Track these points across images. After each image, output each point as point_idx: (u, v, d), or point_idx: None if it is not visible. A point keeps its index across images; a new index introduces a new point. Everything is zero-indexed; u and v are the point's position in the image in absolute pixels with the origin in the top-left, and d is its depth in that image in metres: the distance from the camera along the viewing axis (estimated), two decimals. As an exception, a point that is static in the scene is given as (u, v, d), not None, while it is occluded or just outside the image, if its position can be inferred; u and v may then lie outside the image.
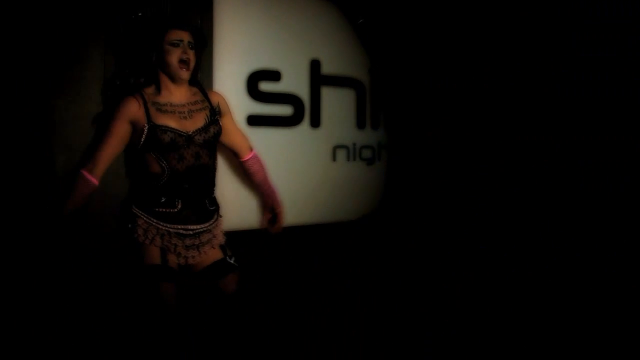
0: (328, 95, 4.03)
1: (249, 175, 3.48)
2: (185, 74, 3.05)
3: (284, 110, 3.84)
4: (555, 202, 4.09)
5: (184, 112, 3.08)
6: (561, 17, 4.07)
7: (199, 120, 3.10)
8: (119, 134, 3.02)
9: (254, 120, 3.72)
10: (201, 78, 3.51)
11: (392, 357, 3.64)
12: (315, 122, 3.96)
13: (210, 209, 3.16)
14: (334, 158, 4.06)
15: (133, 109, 3.02)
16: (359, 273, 4.06)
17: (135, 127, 3.02)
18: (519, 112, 4.28)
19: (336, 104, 4.08)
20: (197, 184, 3.08)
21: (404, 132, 4.41)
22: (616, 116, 3.89)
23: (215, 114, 3.18)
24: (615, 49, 3.90)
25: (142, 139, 3.00)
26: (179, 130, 3.02)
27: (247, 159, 3.44)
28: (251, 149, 3.45)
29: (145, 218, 3.05)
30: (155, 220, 3.04)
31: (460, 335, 3.78)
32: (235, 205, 3.59)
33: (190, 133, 3.05)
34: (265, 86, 3.75)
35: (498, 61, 4.37)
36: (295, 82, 3.88)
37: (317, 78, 3.95)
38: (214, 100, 3.22)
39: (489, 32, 4.36)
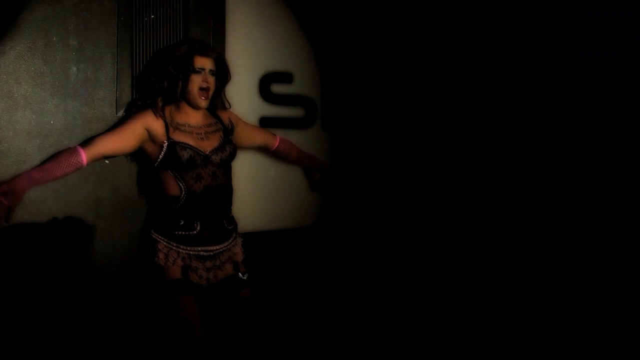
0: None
1: (284, 158, 3.59)
2: (203, 103, 3.09)
3: (296, 112, 3.85)
4: (554, 201, 4.09)
5: (201, 133, 3.11)
6: (561, 16, 4.07)
7: (215, 141, 3.13)
8: (131, 132, 3.02)
9: (266, 122, 3.73)
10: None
11: (392, 357, 3.64)
12: (327, 125, 3.97)
13: (228, 228, 3.16)
14: (346, 160, 4.07)
15: (152, 119, 3.05)
16: (360, 273, 4.06)
17: (153, 140, 3.02)
18: (518, 111, 4.28)
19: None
20: (215, 204, 3.08)
21: (404, 133, 4.41)
22: (616, 116, 3.90)
23: (229, 133, 3.20)
24: (614, 49, 3.91)
25: (161, 155, 3.01)
26: (197, 149, 3.04)
27: (276, 147, 3.50)
28: (275, 136, 3.50)
29: (165, 242, 3.05)
30: (175, 244, 3.03)
31: (459, 334, 3.77)
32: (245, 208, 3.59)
33: (207, 153, 3.07)
34: (277, 88, 3.76)
35: (496, 60, 4.37)
36: (307, 84, 3.88)
37: (330, 80, 3.96)
38: (224, 118, 3.24)
39: (488, 31, 4.36)
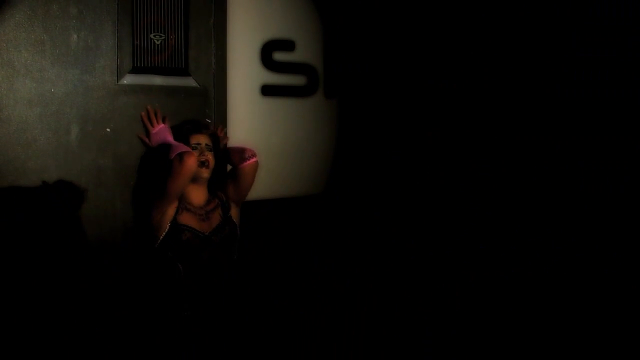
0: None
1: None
2: (205, 173, 3.19)
3: (298, 80, 3.83)
4: (554, 202, 4.08)
5: (202, 214, 3.21)
6: (561, 15, 4.03)
7: (215, 220, 3.23)
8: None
9: (268, 91, 3.71)
10: (215, 48, 3.52)
11: (392, 356, 3.65)
12: (330, 93, 3.95)
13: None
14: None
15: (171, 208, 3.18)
16: (358, 272, 4.06)
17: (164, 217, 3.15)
18: (518, 110, 4.24)
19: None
20: (212, 283, 3.16)
21: (402, 131, 4.40)
22: (616, 117, 3.86)
23: (227, 209, 3.29)
24: (615, 49, 3.86)
25: (162, 236, 3.11)
26: (197, 230, 3.15)
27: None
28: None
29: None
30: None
31: (459, 334, 3.77)
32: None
33: (207, 234, 3.17)
34: (279, 56, 3.74)
35: (492, 58, 4.33)
36: (309, 52, 3.86)
37: (332, 48, 3.93)
38: (220, 195, 3.33)
39: (485, 29, 4.32)
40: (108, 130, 3.32)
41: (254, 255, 3.58)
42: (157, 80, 3.41)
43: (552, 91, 4.07)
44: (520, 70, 4.22)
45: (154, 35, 3.41)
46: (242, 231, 3.29)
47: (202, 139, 3.23)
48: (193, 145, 3.19)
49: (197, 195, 3.22)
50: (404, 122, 4.44)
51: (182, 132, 3.25)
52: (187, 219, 3.14)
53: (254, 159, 3.23)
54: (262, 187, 3.65)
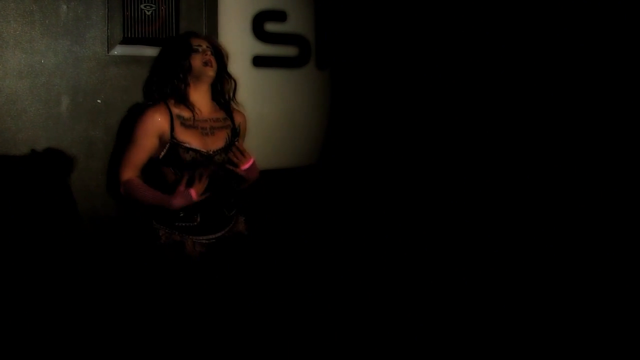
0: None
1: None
2: (210, 71, 3.04)
3: (290, 51, 3.82)
4: (553, 202, 4.08)
5: (206, 127, 3.06)
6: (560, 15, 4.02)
7: (220, 139, 3.08)
8: (147, 148, 2.99)
9: (260, 61, 3.70)
10: (206, 19, 3.50)
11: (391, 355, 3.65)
12: (322, 64, 3.94)
13: (229, 215, 3.15)
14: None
15: (161, 123, 2.98)
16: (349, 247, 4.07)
17: (160, 140, 3.00)
18: (516, 108, 4.24)
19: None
20: (215, 196, 3.07)
21: (403, 73, 4.39)
22: (615, 117, 3.86)
23: (236, 135, 3.15)
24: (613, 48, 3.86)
25: (163, 153, 2.99)
26: (200, 150, 3.00)
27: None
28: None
29: (166, 230, 3.06)
30: (177, 233, 3.06)
31: (459, 333, 3.77)
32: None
33: (211, 153, 3.03)
34: (270, 27, 3.72)
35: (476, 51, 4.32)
36: (301, 22, 3.84)
37: (324, 19, 3.91)
38: (237, 120, 3.17)
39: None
40: (99, 101, 3.32)
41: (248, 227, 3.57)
42: (148, 51, 3.38)
43: (552, 90, 4.07)
44: (519, 69, 4.22)
45: (145, 6, 3.40)
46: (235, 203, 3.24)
47: (203, 43, 3.08)
48: (195, 47, 3.05)
49: (202, 100, 3.08)
50: (397, 93, 4.43)
51: (183, 37, 3.12)
52: (187, 136, 3.01)
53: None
54: (258, 158, 3.66)
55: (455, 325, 3.67)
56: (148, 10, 3.41)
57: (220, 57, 3.14)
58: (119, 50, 3.35)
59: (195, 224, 3.04)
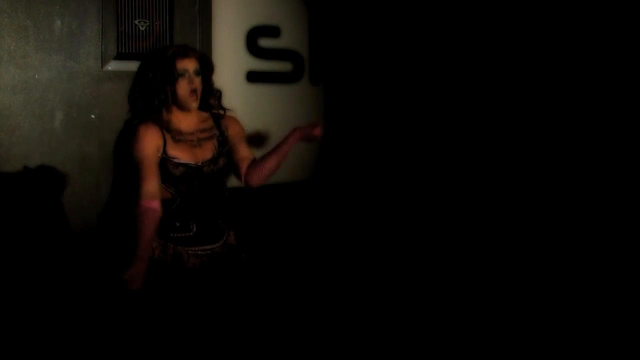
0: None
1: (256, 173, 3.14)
2: (194, 103, 2.97)
3: (284, 66, 3.83)
4: (554, 202, 4.10)
5: (193, 140, 3.01)
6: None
7: (208, 150, 3.02)
8: (154, 162, 2.90)
9: (254, 77, 3.71)
10: (200, 34, 3.51)
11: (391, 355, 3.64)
12: (315, 79, 3.95)
13: (223, 226, 3.13)
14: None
15: (156, 139, 2.92)
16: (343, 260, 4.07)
17: (158, 153, 2.94)
18: (516, 108, 4.26)
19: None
20: (209, 205, 3.05)
21: (398, 86, 4.40)
22: (613, 116, 3.89)
23: (225, 143, 3.09)
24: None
25: None
26: (189, 164, 2.97)
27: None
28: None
29: (161, 242, 3.03)
30: (172, 245, 3.03)
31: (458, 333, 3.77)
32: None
33: (199, 164, 2.99)
34: (264, 42, 3.74)
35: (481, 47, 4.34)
36: (295, 38, 3.86)
37: (318, 34, 3.93)
38: (224, 126, 3.09)
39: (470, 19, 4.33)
40: (93, 116, 3.32)
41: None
42: (142, 66, 3.40)
43: (551, 89, 4.09)
44: (517, 69, 4.23)
45: (139, 21, 3.41)
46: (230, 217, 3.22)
47: (190, 64, 2.95)
48: (180, 71, 2.93)
49: (187, 122, 3.00)
50: (391, 107, 4.45)
51: (167, 57, 2.95)
52: (177, 151, 2.94)
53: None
54: None
55: (456, 337, 3.67)
56: (142, 26, 3.41)
57: (206, 71, 3.06)
58: (113, 66, 3.35)
59: (191, 234, 3.02)
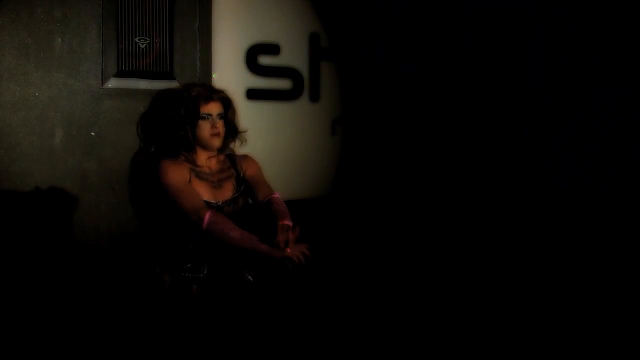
0: (327, 69, 4.02)
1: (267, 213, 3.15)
2: (217, 143, 3.05)
3: (283, 84, 3.84)
4: (554, 202, 4.10)
5: (214, 181, 3.08)
6: None
7: (228, 191, 3.09)
8: (190, 187, 2.97)
9: (253, 94, 3.71)
10: (200, 52, 3.52)
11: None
12: (315, 96, 3.96)
13: (236, 271, 3.04)
14: (333, 132, 4.06)
15: (184, 171, 2.99)
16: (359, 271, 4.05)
17: None
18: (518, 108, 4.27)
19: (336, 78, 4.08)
20: (223, 249, 3.02)
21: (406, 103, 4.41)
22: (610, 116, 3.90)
23: (242, 183, 3.14)
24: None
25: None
26: (210, 201, 3.00)
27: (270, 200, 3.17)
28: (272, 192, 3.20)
29: (171, 276, 3.01)
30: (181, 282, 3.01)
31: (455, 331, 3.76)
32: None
33: (220, 204, 3.03)
34: (264, 60, 3.75)
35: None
36: (294, 55, 3.87)
37: (317, 52, 3.94)
38: (239, 166, 3.16)
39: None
40: (93, 134, 3.32)
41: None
42: (142, 84, 3.41)
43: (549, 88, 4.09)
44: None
45: (139, 39, 3.41)
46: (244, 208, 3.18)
47: (214, 108, 3.03)
48: (204, 115, 3.01)
49: (208, 162, 3.08)
50: (402, 120, 4.45)
51: (191, 97, 3.02)
52: (199, 187, 3.00)
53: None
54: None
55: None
56: (142, 44, 3.42)
57: (228, 112, 3.13)
58: (113, 83, 3.36)
59: (201, 276, 3.00)
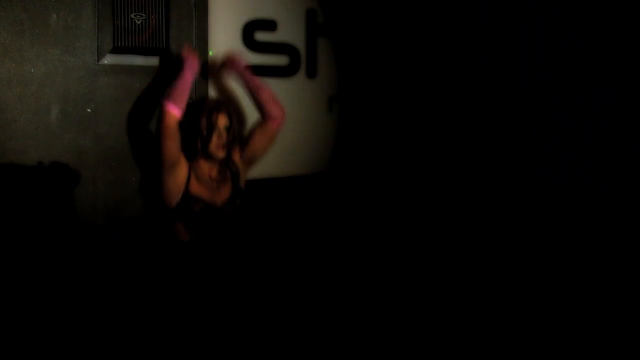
0: (324, 45, 4.00)
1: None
2: (222, 153, 3.22)
3: (280, 60, 3.82)
4: (555, 202, 4.09)
5: (213, 185, 3.25)
6: None
7: (226, 191, 3.28)
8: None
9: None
10: (196, 28, 3.51)
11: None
12: (312, 73, 3.94)
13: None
14: (330, 109, 4.05)
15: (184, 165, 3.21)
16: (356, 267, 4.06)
17: (178, 176, 3.16)
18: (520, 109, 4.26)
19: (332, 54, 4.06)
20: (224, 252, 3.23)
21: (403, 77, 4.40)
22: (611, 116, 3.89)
23: (237, 181, 3.31)
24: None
25: (176, 201, 3.15)
26: (209, 203, 3.19)
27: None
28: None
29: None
30: None
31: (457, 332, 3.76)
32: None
33: (219, 205, 3.22)
34: (261, 36, 3.73)
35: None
36: (291, 32, 3.84)
37: (314, 28, 3.92)
38: (234, 159, 3.34)
39: None
40: (89, 110, 3.32)
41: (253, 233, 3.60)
42: (138, 60, 3.40)
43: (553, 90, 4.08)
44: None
45: (135, 15, 3.40)
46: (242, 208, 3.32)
47: (221, 121, 3.22)
48: (211, 126, 3.20)
49: (211, 169, 3.25)
50: (407, 98, 4.45)
51: (199, 110, 3.23)
52: (198, 190, 3.19)
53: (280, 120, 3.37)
54: (268, 165, 3.67)
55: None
56: (138, 20, 3.40)
57: (235, 124, 3.31)
58: (109, 60, 3.35)
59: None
